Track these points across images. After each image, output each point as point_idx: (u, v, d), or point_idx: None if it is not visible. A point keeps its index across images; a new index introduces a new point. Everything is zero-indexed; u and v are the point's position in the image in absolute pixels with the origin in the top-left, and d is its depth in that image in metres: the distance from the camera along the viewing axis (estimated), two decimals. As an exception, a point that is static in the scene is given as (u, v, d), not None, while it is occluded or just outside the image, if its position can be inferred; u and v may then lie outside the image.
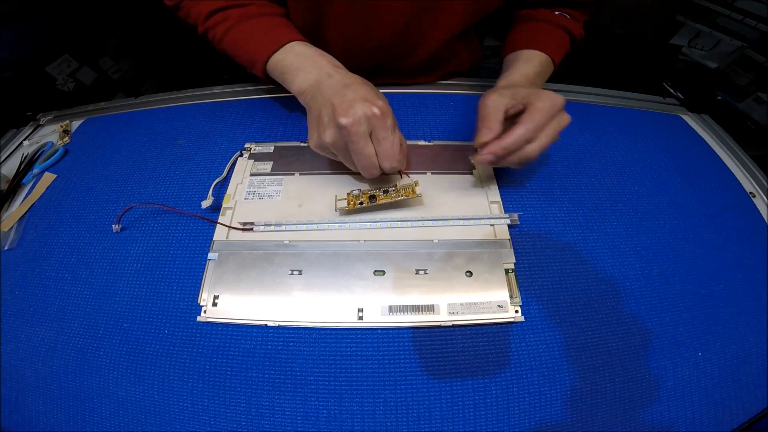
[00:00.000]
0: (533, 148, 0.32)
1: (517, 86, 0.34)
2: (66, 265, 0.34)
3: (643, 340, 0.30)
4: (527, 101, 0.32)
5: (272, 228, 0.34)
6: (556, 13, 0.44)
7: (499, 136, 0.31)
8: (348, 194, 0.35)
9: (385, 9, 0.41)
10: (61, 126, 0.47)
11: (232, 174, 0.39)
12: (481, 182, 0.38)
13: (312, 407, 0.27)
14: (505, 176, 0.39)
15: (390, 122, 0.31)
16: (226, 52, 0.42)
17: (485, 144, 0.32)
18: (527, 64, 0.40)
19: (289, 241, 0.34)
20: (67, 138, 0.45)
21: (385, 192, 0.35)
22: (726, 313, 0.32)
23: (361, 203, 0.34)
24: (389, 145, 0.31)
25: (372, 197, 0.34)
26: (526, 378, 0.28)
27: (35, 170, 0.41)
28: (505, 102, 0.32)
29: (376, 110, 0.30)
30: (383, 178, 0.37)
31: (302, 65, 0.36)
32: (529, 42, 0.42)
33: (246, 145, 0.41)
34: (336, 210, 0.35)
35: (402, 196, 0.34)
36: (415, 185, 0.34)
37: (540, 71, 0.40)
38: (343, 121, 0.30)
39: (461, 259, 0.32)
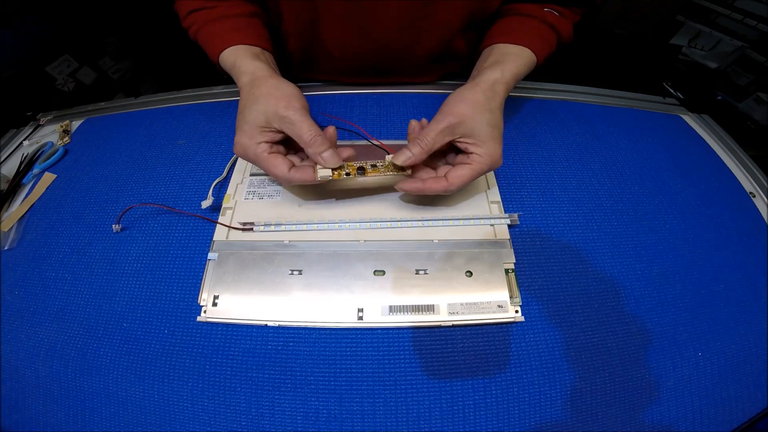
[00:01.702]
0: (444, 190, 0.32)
1: (473, 113, 0.32)
2: (66, 265, 0.34)
3: (643, 340, 0.30)
4: (469, 148, 0.32)
5: (272, 228, 0.34)
6: (546, 9, 0.41)
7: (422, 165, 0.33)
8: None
9: (382, 9, 0.41)
10: (61, 126, 0.46)
11: (232, 174, 0.39)
12: (482, 182, 0.38)
13: (312, 407, 0.27)
14: (505, 176, 0.39)
15: (252, 151, 0.32)
16: None
17: (403, 165, 0.32)
18: (509, 60, 0.37)
19: (289, 241, 0.34)
20: (67, 138, 0.45)
21: (374, 166, 0.33)
22: (726, 313, 0.32)
23: (348, 174, 0.32)
24: (270, 170, 0.32)
25: (360, 169, 0.33)
26: (526, 378, 0.28)
27: (35, 170, 0.41)
28: (447, 140, 0.32)
29: (240, 146, 0.32)
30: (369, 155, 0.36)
31: (233, 76, 0.38)
32: (511, 36, 0.40)
33: (246, 145, 0.41)
34: (318, 178, 0.31)
35: (391, 171, 0.33)
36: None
37: (520, 72, 0.38)
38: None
39: (461, 259, 0.32)
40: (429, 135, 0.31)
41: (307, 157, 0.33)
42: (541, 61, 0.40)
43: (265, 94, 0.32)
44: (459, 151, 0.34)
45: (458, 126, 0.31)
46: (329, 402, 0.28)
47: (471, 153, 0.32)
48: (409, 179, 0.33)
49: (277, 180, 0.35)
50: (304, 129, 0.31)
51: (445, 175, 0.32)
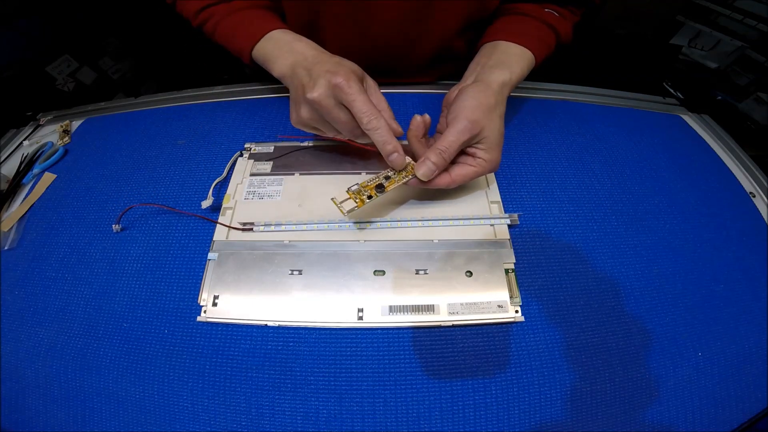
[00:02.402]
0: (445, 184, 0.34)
1: (481, 110, 0.33)
2: (66, 265, 0.34)
3: (643, 340, 0.30)
4: (477, 153, 0.33)
5: (272, 228, 0.34)
6: (546, 10, 0.41)
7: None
8: (348, 192, 0.32)
9: (381, 8, 0.41)
10: (61, 126, 0.47)
11: (232, 174, 0.39)
12: (482, 182, 0.38)
13: (312, 407, 0.27)
14: (505, 176, 0.39)
15: (354, 86, 0.31)
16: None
17: (426, 178, 0.32)
18: (515, 63, 0.37)
19: (289, 241, 0.34)
20: (67, 138, 0.45)
21: (387, 178, 0.33)
22: (726, 313, 0.32)
23: (369, 197, 0.32)
24: (358, 106, 0.31)
25: (379, 186, 0.32)
26: (526, 378, 0.28)
27: (35, 170, 0.41)
28: (465, 147, 0.33)
29: (337, 79, 0.31)
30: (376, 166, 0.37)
31: (280, 52, 0.38)
32: (514, 35, 0.40)
33: (246, 145, 0.41)
34: (345, 213, 0.31)
35: (406, 177, 0.33)
36: (413, 164, 0.33)
37: (524, 74, 0.38)
38: (310, 95, 0.32)
39: (461, 259, 0.32)
40: (452, 147, 0.32)
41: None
42: (539, 61, 0.40)
43: (339, 58, 0.35)
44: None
45: (477, 135, 0.32)
46: (329, 402, 0.28)
47: (478, 158, 0.33)
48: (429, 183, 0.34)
49: (354, 120, 0.32)
50: (385, 104, 0.34)
51: (448, 171, 0.33)
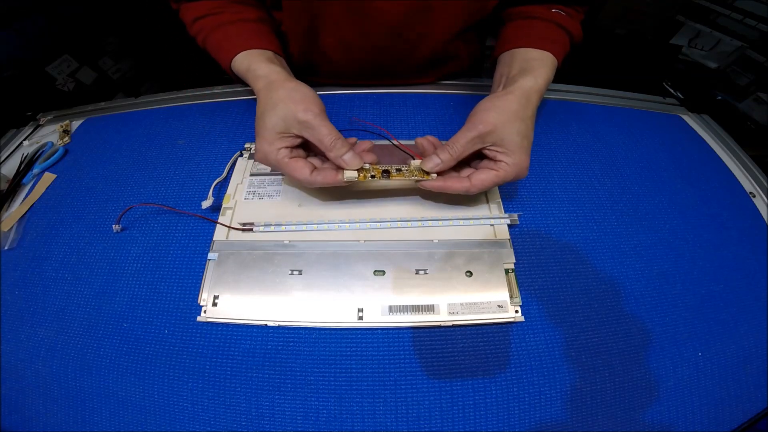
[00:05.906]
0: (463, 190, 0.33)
1: (506, 123, 0.31)
2: (66, 265, 0.34)
3: (643, 340, 0.30)
4: (497, 156, 0.32)
5: (272, 228, 0.34)
6: (553, 10, 0.41)
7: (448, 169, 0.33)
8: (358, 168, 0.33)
9: (380, 10, 0.41)
10: (61, 126, 0.47)
11: (232, 174, 0.39)
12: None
13: (312, 407, 0.27)
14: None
15: (273, 157, 0.32)
16: None
17: (431, 171, 0.32)
18: (538, 67, 0.36)
19: (289, 241, 0.34)
20: (67, 138, 0.45)
21: (398, 170, 0.33)
22: (726, 313, 0.32)
23: (373, 176, 0.32)
24: (291, 174, 0.32)
25: (385, 172, 0.33)
26: (526, 378, 0.28)
27: (35, 170, 0.41)
28: (476, 148, 0.32)
29: (261, 152, 0.33)
30: (390, 160, 0.37)
31: (247, 80, 0.39)
32: (530, 40, 0.39)
33: (246, 145, 0.41)
34: (344, 180, 0.32)
35: (415, 176, 0.32)
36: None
37: (550, 77, 0.37)
38: (255, 156, 0.34)
39: (461, 259, 0.32)
40: (459, 143, 0.31)
41: (327, 159, 0.33)
42: (560, 64, 0.39)
43: (283, 99, 0.33)
44: (484, 157, 0.33)
45: (489, 135, 0.31)
46: (329, 402, 0.28)
47: (499, 161, 0.32)
48: (433, 182, 0.33)
49: (299, 184, 0.36)
50: (323, 133, 0.31)
51: (468, 176, 0.32)
